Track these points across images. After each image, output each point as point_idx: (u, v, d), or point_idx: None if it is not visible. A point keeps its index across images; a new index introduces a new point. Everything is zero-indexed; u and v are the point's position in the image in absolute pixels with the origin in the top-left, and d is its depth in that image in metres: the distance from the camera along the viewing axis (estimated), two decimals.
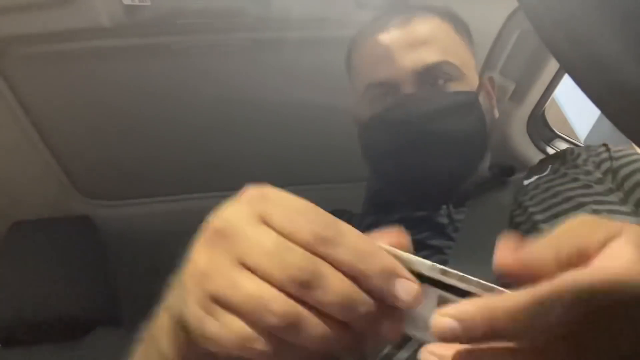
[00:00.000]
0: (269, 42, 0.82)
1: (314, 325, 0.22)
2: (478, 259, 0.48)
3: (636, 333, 0.19)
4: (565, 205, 0.51)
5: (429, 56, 0.58)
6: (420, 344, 0.25)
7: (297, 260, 0.22)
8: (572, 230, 0.25)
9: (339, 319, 0.22)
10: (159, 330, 0.30)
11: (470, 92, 0.59)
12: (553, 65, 0.88)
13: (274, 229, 0.23)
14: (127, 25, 0.75)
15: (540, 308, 0.20)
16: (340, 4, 0.77)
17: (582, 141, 1.29)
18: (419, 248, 0.53)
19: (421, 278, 0.24)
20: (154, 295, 0.31)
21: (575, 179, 0.55)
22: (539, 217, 0.51)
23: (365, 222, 0.61)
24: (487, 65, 0.92)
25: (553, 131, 1.04)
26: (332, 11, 0.78)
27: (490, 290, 0.23)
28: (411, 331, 0.25)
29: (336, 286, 0.22)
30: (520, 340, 0.20)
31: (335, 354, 0.24)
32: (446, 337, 0.22)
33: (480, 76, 0.63)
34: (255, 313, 0.22)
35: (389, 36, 0.60)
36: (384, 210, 0.62)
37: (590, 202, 0.50)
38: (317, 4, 0.77)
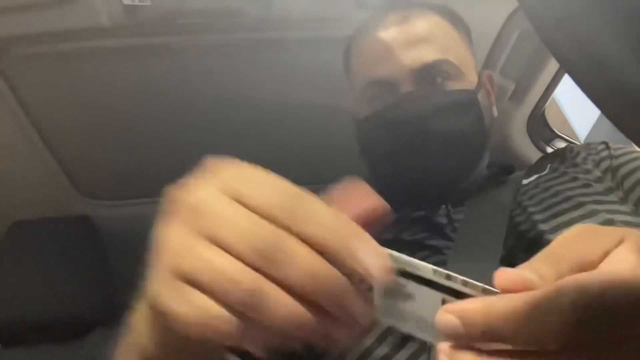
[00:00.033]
0: (269, 42, 0.82)
1: (281, 300, 0.21)
2: (477, 259, 0.48)
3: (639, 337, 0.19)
4: (565, 205, 0.51)
5: (427, 54, 0.57)
6: (420, 345, 0.25)
7: (264, 235, 0.21)
8: (573, 242, 0.24)
9: (309, 299, 0.21)
10: (137, 321, 0.29)
11: (469, 91, 0.59)
12: (553, 65, 0.88)
13: (243, 204, 0.22)
14: (127, 25, 0.75)
15: (537, 310, 0.19)
16: (340, 4, 0.77)
17: (582, 141, 1.29)
18: (418, 248, 0.53)
19: (424, 282, 0.24)
20: None
21: (575, 178, 0.55)
22: (538, 217, 0.50)
23: None
24: (487, 65, 0.92)
25: (553, 131, 1.04)
26: (332, 11, 0.78)
27: (493, 295, 0.23)
28: (415, 332, 0.25)
29: (304, 261, 0.21)
30: (518, 342, 0.20)
31: (306, 342, 0.23)
32: (449, 334, 0.22)
33: (479, 74, 0.63)
34: (221, 288, 0.21)
35: (387, 34, 0.59)
36: None
37: (589, 202, 0.50)
38: (317, 4, 0.77)
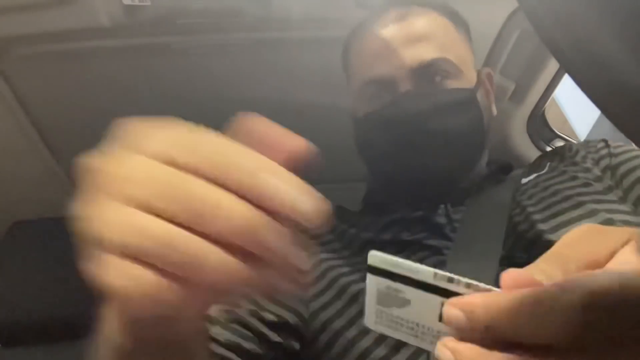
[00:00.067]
0: (269, 42, 0.82)
1: (216, 256, 0.20)
2: (476, 259, 0.48)
3: None
4: (564, 204, 0.50)
5: (426, 53, 0.57)
6: (418, 347, 0.25)
7: (188, 189, 0.20)
8: (578, 242, 0.24)
9: (247, 253, 0.20)
10: (105, 314, 0.28)
11: (467, 90, 0.58)
12: (553, 65, 0.88)
13: (164, 161, 0.21)
14: (127, 25, 0.75)
15: (540, 307, 0.19)
16: (340, 4, 0.77)
17: None
18: (417, 248, 0.53)
19: (423, 286, 0.23)
20: None
21: (574, 177, 0.55)
22: (537, 216, 0.50)
23: (362, 222, 0.60)
24: (487, 65, 0.92)
25: (553, 131, 1.04)
26: (332, 11, 0.78)
27: None
28: (409, 340, 0.25)
29: (231, 210, 0.20)
30: (521, 338, 0.20)
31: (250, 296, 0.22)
32: (453, 328, 0.21)
33: (478, 72, 0.63)
34: (153, 253, 0.20)
35: (386, 32, 0.59)
36: (381, 210, 0.61)
37: (589, 201, 0.50)
38: (317, 4, 0.77)
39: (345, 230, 0.59)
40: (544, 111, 1.01)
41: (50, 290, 0.94)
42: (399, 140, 0.56)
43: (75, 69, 0.84)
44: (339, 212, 0.66)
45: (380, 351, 0.45)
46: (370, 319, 0.26)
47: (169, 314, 0.21)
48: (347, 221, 0.61)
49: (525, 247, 0.48)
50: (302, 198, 0.21)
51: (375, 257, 0.25)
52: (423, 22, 0.59)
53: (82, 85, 0.87)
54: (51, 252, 0.99)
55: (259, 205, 0.20)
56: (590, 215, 0.48)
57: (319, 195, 0.21)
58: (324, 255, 0.56)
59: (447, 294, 0.23)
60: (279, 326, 0.49)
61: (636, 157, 0.54)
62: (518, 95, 0.95)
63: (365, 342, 0.46)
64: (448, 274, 0.23)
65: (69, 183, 1.05)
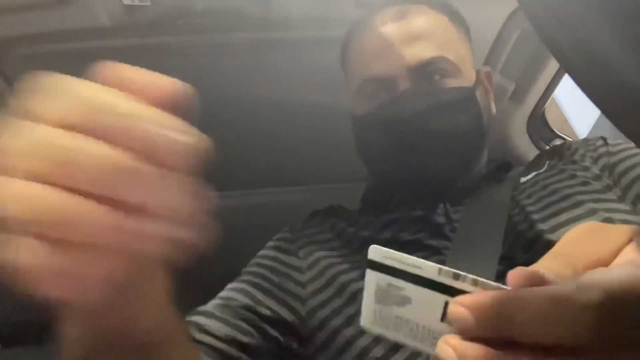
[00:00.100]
0: (269, 42, 0.82)
1: (96, 212, 0.19)
2: (476, 259, 0.48)
3: None
4: (564, 204, 0.50)
5: (424, 51, 0.56)
6: (416, 348, 0.24)
7: (51, 144, 0.18)
8: (581, 241, 0.24)
9: (130, 206, 0.19)
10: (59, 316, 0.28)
11: (466, 88, 0.58)
12: (553, 65, 0.88)
13: (33, 120, 0.19)
14: (127, 25, 0.75)
15: (558, 306, 0.19)
16: (340, 4, 0.77)
17: None
18: (416, 248, 0.52)
19: (426, 283, 0.22)
20: None
21: (573, 176, 0.54)
22: (536, 216, 0.50)
23: (361, 221, 0.60)
24: (487, 65, 0.92)
25: (553, 131, 1.04)
26: (332, 11, 0.78)
27: None
28: (407, 341, 0.24)
29: (93, 153, 0.19)
30: (534, 338, 0.19)
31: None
32: (460, 328, 0.20)
33: (477, 71, 0.62)
34: (28, 217, 0.18)
35: (384, 30, 0.58)
36: (380, 209, 0.61)
37: (588, 200, 0.50)
38: (317, 4, 0.77)
39: (344, 228, 0.59)
40: (544, 111, 1.01)
41: None
42: (398, 139, 0.56)
43: (75, 69, 0.84)
44: (338, 211, 0.66)
45: (379, 350, 0.45)
46: (366, 319, 0.25)
47: (88, 290, 0.20)
48: (346, 220, 0.61)
49: (525, 246, 0.48)
50: (176, 136, 0.20)
51: (376, 251, 0.24)
52: (422, 20, 0.59)
53: None
54: None
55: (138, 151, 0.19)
56: (589, 214, 0.48)
57: (196, 132, 0.20)
58: (322, 253, 0.56)
59: (451, 292, 0.22)
60: (275, 322, 0.49)
61: (634, 155, 0.53)
62: (518, 95, 0.95)
63: (364, 341, 0.46)
64: (453, 270, 0.22)
65: None
